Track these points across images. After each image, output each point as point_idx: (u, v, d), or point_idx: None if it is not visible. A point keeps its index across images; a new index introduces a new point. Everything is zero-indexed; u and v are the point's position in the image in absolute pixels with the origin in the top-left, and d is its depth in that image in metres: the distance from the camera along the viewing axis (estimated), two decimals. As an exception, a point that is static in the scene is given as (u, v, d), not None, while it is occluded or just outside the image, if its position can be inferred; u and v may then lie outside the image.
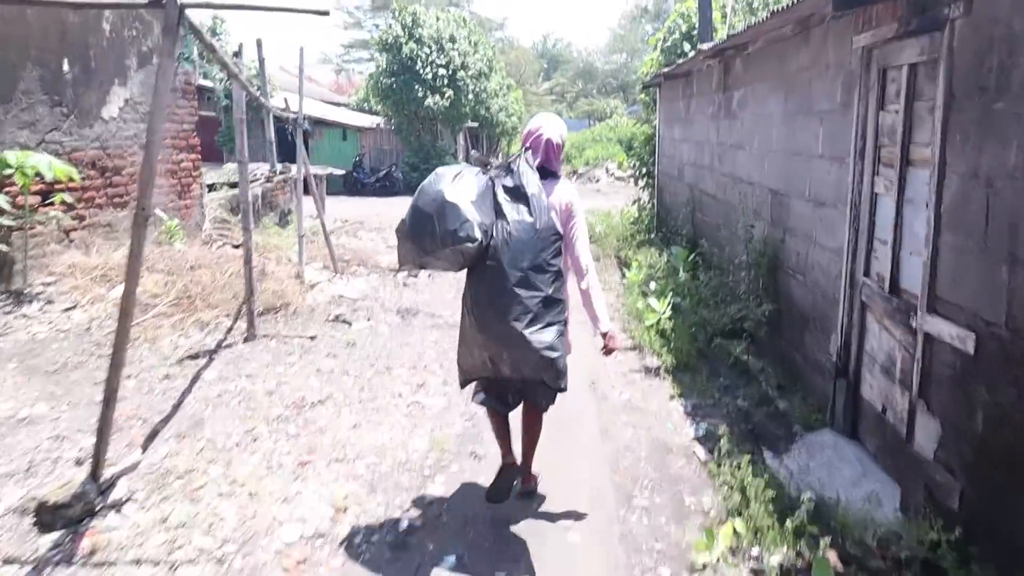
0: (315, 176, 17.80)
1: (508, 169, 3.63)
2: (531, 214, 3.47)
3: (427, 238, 3.37)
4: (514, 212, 3.47)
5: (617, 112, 59.97)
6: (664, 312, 6.61)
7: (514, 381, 3.71)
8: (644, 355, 6.72)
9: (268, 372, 5.90)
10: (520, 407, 3.97)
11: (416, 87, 25.13)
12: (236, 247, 9.90)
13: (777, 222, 5.98)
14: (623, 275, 10.15)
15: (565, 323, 3.61)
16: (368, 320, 7.53)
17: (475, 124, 29.57)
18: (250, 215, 6.48)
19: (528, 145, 3.81)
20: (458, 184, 3.45)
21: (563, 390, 3.67)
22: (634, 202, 15.14)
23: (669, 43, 13.85)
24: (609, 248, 11.93)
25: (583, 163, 33.41)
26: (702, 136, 9.16)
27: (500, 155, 41.85)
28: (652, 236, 11.97)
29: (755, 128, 6.69)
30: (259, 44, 15.04)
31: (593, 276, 3.84)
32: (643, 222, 13.48)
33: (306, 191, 19.40)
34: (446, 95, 25.18)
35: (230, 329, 6.73)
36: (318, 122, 26.96)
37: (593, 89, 78.09)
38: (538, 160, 3.74)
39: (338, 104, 35.51)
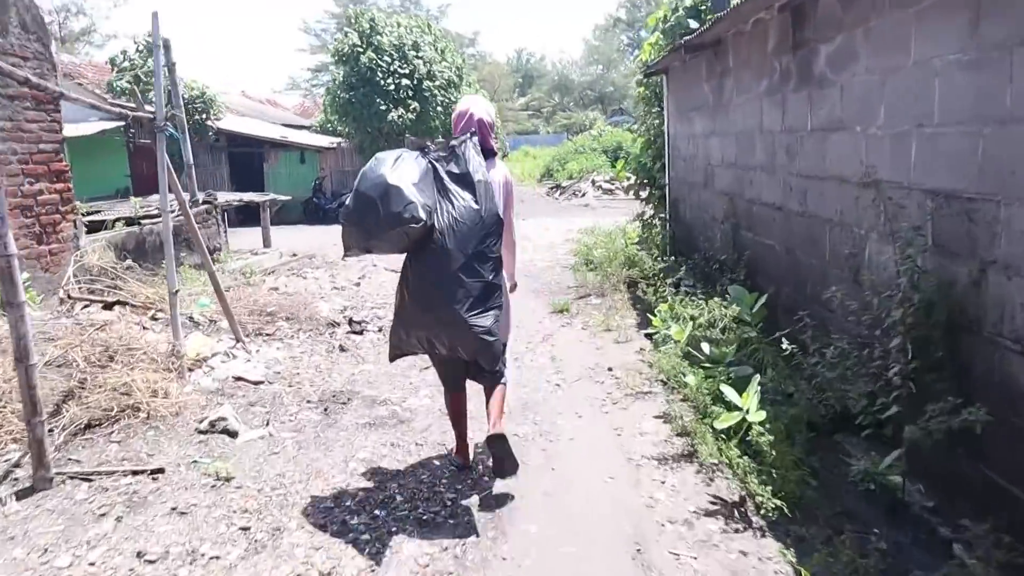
0: (256, 203, 15.14)
1: (453, 154, 3.69)
2: (477, 202, 3.59)
3: (371, 221, 3.46)
4: (459, 198, 3.58)
5: (597, 124, 58.01)
6: (749, 409, 3.92)
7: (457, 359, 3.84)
8: (712, 476, 4.05)
9: (37, 569, 3.18)
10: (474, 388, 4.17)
11: (377, 100, 22.51)
12: (109, 307, 7.18)
13: (957, 249, 3.34)
14: (644, 319, 7.50)
15: (501, 308, 3.69)
16: (266, 424, 4.79)
17: (445, 140, 26.95)
18: None
19: (462, 126, 3.92)
20: (399, 168, 3.53)
21: (498, 372, 3.92)
22: (636, 218, 12.57)
23: (672, 21, 11.29)
24: (618, 279, 9.28)
25: (566, 176, 30.81)
26: (748, 123, 6.56)
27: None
28: (667, 261, 9.35)
29: (877, 93, 4.07)
30: (155, 16, 12.34)
31: (515, 242, 4.15)
32: (653, 242, 10.84)
33: (270, 221, 16.67)
34: (411, 107, 22.58)
35: (15, 467, 4.00)
36: (273, 145, 24.31)
37: (570, 102, 76.31)
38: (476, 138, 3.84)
39: (300, 127, 32.91)
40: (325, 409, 5.15)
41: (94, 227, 9.92)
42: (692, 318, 5.33)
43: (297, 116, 39.74)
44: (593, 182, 28.62)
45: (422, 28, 24.65)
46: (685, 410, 4.83)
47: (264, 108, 39.07)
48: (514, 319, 4.44)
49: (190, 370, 5.60)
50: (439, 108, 23.84)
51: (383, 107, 22.46)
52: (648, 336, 6.80)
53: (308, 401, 5.30)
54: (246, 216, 24.72)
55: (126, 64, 22.17)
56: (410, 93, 22.84)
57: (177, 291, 5.54)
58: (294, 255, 13.68)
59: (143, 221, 9.90)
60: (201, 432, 4.50)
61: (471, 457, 4.27)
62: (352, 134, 23.85)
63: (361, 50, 22.71)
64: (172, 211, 10.57)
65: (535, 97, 78.55)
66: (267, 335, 7.05)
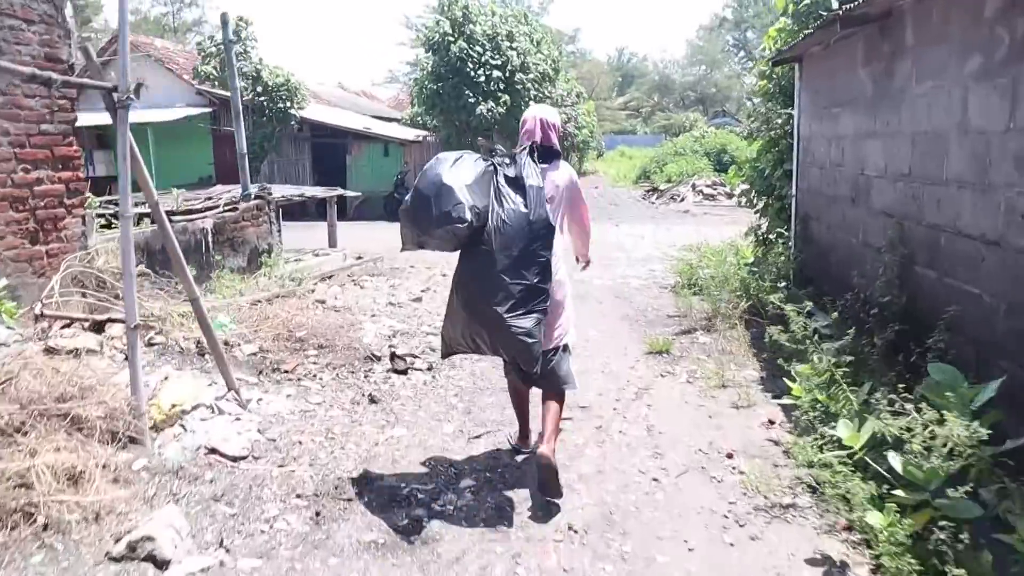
0: (319, 199, 13.85)
1: (512, 159, 3.79)
2: (527, 205, 3.63)
3: (424, 218, 3.59)
4: (510, 201, 3.63)
5: (698, 124, 55.64)
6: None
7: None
8: None
9: None
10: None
11: (466, 92, 21.06)
12: (98, 328, 5.82)
13: None
14: (770, 372, 5.73)
15: (544, 312, 3.68)
16: (219, 544, 3.23)
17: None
18: None
19: (528, 129, 4.03)
20: (456, 168, 3.63)
21: (535, 375, 3.84)
22: (748, 232, 10.71)
23: (807, 2, 9.35)
24: (732, 310, 7.51)
25: (664, 180, 28.76)
26: (938, 119, 4.70)
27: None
28: (792, 293, 7.52)
29: None
30: (224, 20, 11.16)
31: (588, 229, 4.36)
32: (773, 264, 8.94)
33: (350, 216, 15.27)
34: (502, 101, 21.04)
35: None
36: (357, 136, 23.19)
37: (670, 103, 73.84)
38: (539, 138, 3.97)
39: (390, 119, 31.90)
40: (317, 513, 3.57)
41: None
42: (880, 421, 3.48)
43: (391, 109, 38.85)
44: (694, 187, 26.53)
45: (517, 18, 23.09)
46: (863, 561, 3.08)
47: (357, 99, 38.47)
48: (601, 360, 3.44)
49: (158, 430, 4.14)
50: (531, 103, 22.28)
51: (472, 99, 20.99)
52: (783, 407, 5.03)
53: (298, 495, 3.73)
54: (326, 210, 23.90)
55: (212, 50, 21.31)
56: (501, 86, 21.31)
57: (137, 326, 4.05)
58: (359, 258, 12.31)
59: (176, 218, 8.59)
60: (114, 559, 2.98)
61: (531, 443, 4.37)
62: (439, 127, 22.49)
63: (452, 39, 21.31)
64: (213, 207, 9.25)
65: (634, 97, 76.45)
66: (284, 372, 5.56)
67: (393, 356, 6.07)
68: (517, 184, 3.65)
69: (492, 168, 3.71)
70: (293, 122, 21.95)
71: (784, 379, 5.02)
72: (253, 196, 9.97)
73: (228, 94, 22.60)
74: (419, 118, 24.93)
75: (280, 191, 11.05)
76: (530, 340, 3.59)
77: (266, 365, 5.64)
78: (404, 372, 5.87)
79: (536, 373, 3.80)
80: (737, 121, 56.75)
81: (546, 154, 3.95)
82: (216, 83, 21.78)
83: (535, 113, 4.10)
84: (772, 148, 10.07)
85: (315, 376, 5.57)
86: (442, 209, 3.49)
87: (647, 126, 71.16)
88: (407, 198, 3.70)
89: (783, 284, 8.08)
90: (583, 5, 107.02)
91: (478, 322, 3.69)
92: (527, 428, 4.41)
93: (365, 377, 5.70)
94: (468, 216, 3.50)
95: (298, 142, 23.57)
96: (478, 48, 21.25)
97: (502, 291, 3.54)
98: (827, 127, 7.32)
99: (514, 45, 21.86)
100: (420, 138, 23.19)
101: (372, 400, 5.18)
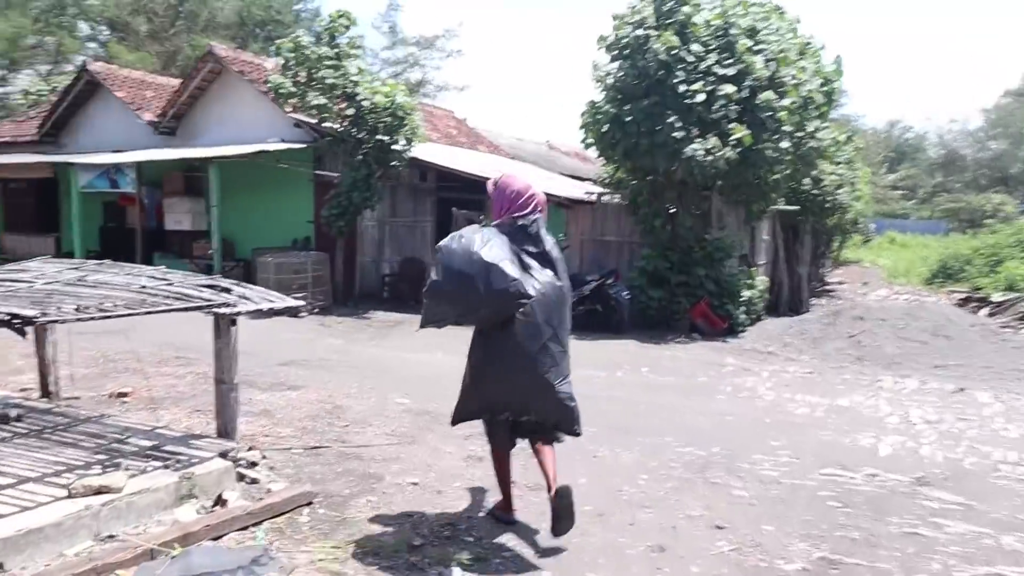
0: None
1: (526, 233, 3.91)
2: (559, 278, 3.90)
3: (470, 297, 3.69)
4: (543, 275, 3.83)
5: (1007, 208, 42.87)
6: None
7: (523, 424, 4.04)
8: None
9: None
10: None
11: (670, 119, 12.06)
12: None
13: None
14: None
15: (569, 374, 3.97)
16: None
17: (794, 208, 15.84)
18: None
19: (525, 204, 3.98)
20: (490, 247, 3.75)
21: (578, 435, 4.06)
22: None
23: None
24: None
25: (1000, 286, 17.87)
26: None
27: (828, 262, 27.16)
28: None
29: None
30: None
31: None
32: None
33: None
34: (732, 137, 11.85)
35: None
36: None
37: (958, 183, 60.10)
38: (537, 220, 4.01)
39: (583, 179, 23.62)
40: None
41: None
42: None
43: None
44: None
45: (766, 8, 13.86)
46: None
47: (559, 159, 30.58)
48: None
49: None
50: (783, 144, 12.78)
51: (679, 131, 11.92)
52: None
53: None
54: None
55: (291, 56, 14.03)
56: (734, 110, 12.13)
57: None
58: (210, 505, 3.72)
59: None
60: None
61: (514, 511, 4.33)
62: (623, 180, 13.68)
63: (654, 33, 12.52)
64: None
65: (909, 174, 63.42)
66: None
67: None
68: (545, 258, 3.87)
69: (512, 244, 3.83)
70: (396, 163, 14.09)
71: None
72: None
73: (332, 125, 15.37)
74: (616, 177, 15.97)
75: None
76: (573, 403, 3.90)
77: None
78: None
79: (579, 434, 4.04)
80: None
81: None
82: (299, 106, 14.44)
83: (539, 196, 4.09)
84: None
85: None
86: (496, 287, 3.64)
87: (925, 209, 58.36)
88: (437, 278, 3.74)
89: None
90: (853, 63, 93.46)
91: (524, 392, 3.83)
92: (511, 493, 4.29)
93: None
94: (531, 291, 3.70)
95: (418, 195, 15.76)
96: (696, 47, 12.29)
97: (549, 359, 3.76)
98: None
99: (758, 46, 12.69)
100: (591, 197, 14.48)
101: None
